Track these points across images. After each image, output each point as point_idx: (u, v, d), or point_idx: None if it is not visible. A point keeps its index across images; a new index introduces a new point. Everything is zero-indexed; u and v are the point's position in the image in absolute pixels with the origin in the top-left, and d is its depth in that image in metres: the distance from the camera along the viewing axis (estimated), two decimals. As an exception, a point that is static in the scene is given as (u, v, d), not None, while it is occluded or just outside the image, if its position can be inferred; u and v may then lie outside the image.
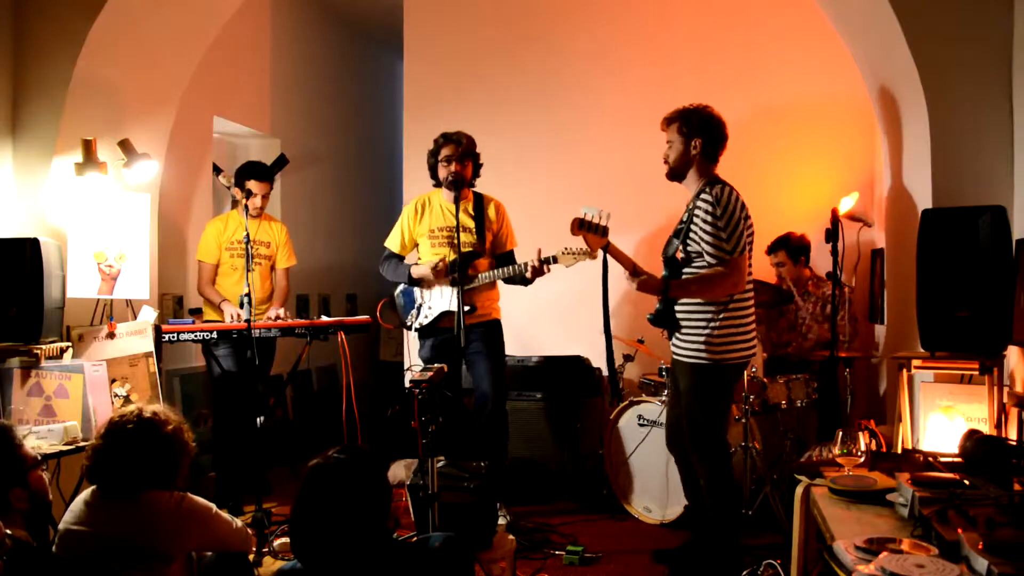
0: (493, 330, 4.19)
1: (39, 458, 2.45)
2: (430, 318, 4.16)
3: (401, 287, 4.32)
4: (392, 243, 4.31)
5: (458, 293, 3.84)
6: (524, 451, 4.72)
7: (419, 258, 4.30)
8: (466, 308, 4.02)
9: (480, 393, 4.16)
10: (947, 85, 3.28)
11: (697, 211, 3.23)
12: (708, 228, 3.18)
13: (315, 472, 1.87)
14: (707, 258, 3.19)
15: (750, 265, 3.32)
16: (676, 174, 3.35)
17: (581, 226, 3.33)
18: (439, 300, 4.13)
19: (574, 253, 3.74)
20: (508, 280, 4.09)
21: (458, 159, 4.06)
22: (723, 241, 3.16)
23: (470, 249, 4.07)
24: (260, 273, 4.60)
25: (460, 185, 4.09)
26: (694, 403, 3.29)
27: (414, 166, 5.78)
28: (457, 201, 4.07)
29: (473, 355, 4.13)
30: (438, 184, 4.19)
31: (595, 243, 3.34)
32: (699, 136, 3.28)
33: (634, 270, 3.28)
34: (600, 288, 3.41)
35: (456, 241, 4.00)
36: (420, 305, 4.21)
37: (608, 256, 3.38)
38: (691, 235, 3.25)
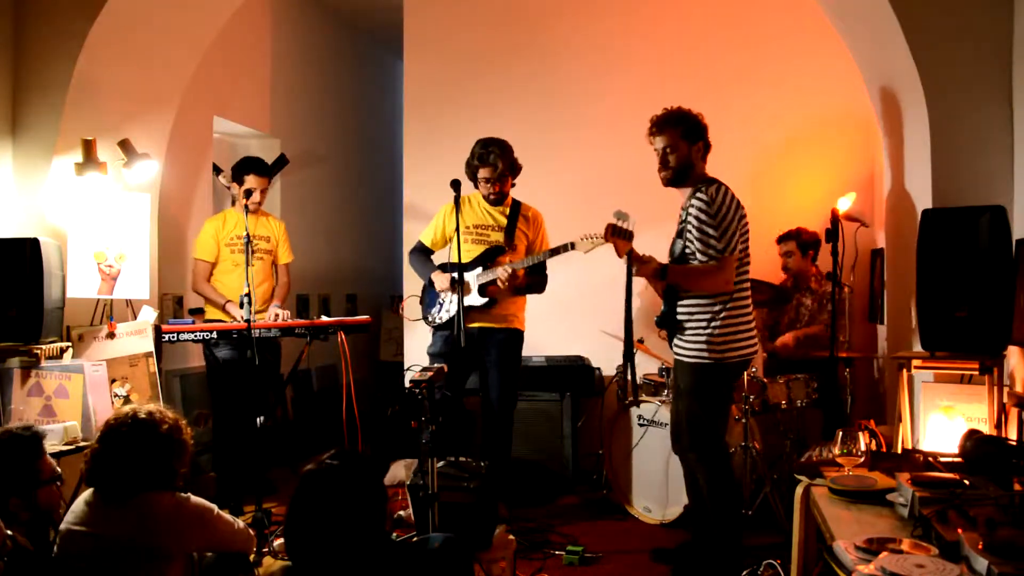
0: (513, 340, 4.19)
1: (58, 472, 2.44)
2: (451, 312, 4.14)
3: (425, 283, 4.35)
4: (425, 236, 4.34)
5: (458, 294, 3.83)
6: (524, 451, 4.72)
7: (450, 255, 4.30)
8: (483, 301, 4.07)
9: (488, 402, 4.17)
10: (947, 85, 3.28)
11: (691, 210, 3.24)
12: (700, 227, 3.19)
13: (309, 478, 1.87)
14: (699, 256, 3.21)
15: (748, 263, 3.32)
16: (679, 179, 3.34)
17: (614, 233, 3.38)
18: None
19: (591, 238, 3.74)
20: (531, 275, 4.08)
21: (495, 181, 4.10)
22: (714, 240, 3.17)
23: (494, 245, 4.15)
24: (262, 267, 4.63)
25: (499, 202, 4.19)
26: (695, 403, 3.30)
27: (414, 166, 5.80)
28: (459, 203, 4.07)
29: (488, 363, 4.14)
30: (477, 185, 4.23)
31: (623, 248, 3.38)
32: (701, 139, 3.31)
33: (646, 258, 3.30)
34: (624, 290, 3.44)
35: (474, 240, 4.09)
36: (443, 301, 4.20)
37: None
38: (687, 234, 3.26)
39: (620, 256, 3.39)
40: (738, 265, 3.26)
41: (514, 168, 4.16)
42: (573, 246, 3.91)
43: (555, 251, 3.97)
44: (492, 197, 4.14)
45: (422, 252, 4.34)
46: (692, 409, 3.31)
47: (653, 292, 3.53)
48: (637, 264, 3.29)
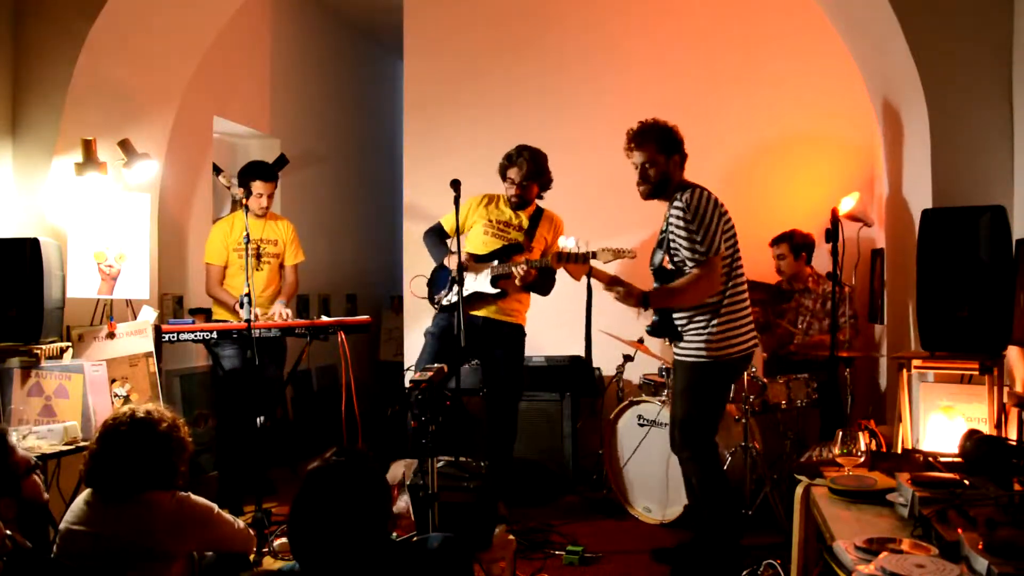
0: (517, 336, 4.26)
1: (32, 462, 2.43)
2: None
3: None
4: (446, 220, 4.35)
5: (458, 294, 3.84)
6: (524, 451, 4.71)
7: (465, 243, 4.31)
8: (495, 291, 4.13)
9: (493, 398, 4.20)
10: (947, 85, 3.28)
11: (671, 219, 3.26)
12: (683, 234, 3.21)
13: (314, 475, 1.87)
14: (687, 264, 3.22)
15: (740, 259, 3.33)
16: (658, 192, 3.35)
17: (560, 259, 3.35)
18: (472, 281, 4.16)
19: (613, 251, 3.72)
20: (543, 276, 4.10)
21: (519, 184, 4.17)
22: (697, 244, 3.18)
23: (512, 243, 4.20)
24: (270, 271, 4.65)
25: (521, 206, 4.25)
26: (689, 401, 3.32)
27: (414, 166, 5.80)
28: (458, 203, 4.08)
29: (492, 358, 4.20)
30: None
31: (577, 272, 3.36)
32: (677, 152, 3.33)
33: (611, 281, 3.28)
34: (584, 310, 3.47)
35: (506, 237, 4.18)
36: (453, 286, 4.19)
37: (593, 279, 3.41)
38: (672, 244, 3.27)
39: (577, 280, 3.38)
40: (731, 262, 3.28)
41: (539, 177, 4.21)
42: (595, 255, 3.92)
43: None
44: (513, 200, 4.22)
45: (439, 234, 4.37)
46: (686, 408, 3.33)
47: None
48: (615, 291, 3.26)
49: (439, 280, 4.35)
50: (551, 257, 3.44)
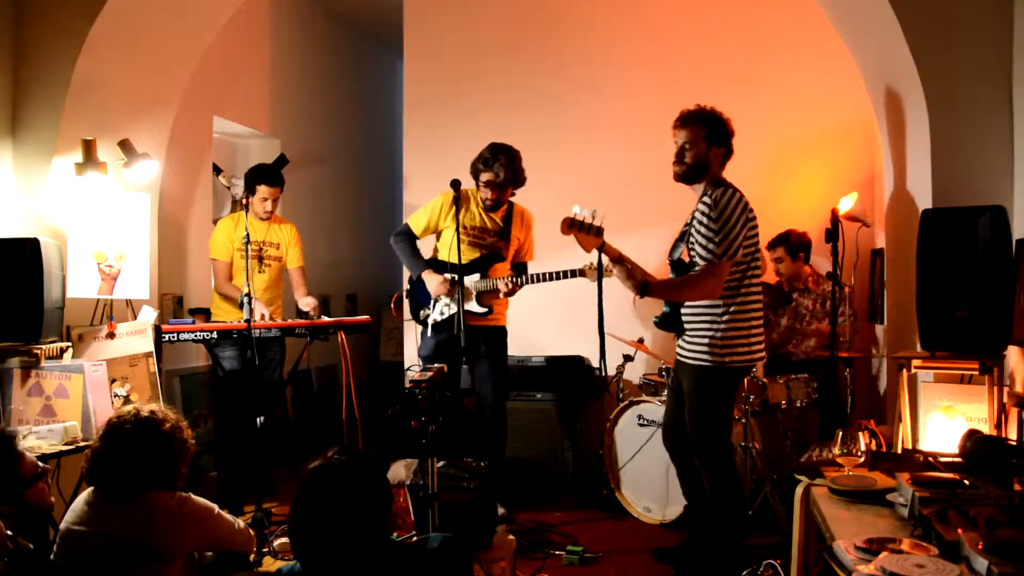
0: (499, 336, 4.26)
1: (40, 469, 2.42)
2: (446, 315, 4.14)
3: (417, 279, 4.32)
4: (415, 224, 4.26)
5: (459, 294, 3.84)
6: (524, 451, 4.72)
7: (436, 247, 4.28)
8: (483, 310, 4.10)
9: (482, 396, 4.20)
10: (947, 85, 3.28)
11: (696, 213, 3.23)
12: (702, 230, 3.18)
13: (315, 474, 1.87)
14: (698, 259, 3.20)
15: (758, 267, 3.29)
16: (691, 177, 3.29)
17: (572, 226, 3.18)
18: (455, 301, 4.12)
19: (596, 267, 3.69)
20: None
21: (494, 187, 4.09)
22: (713, 243, 3.14)
23: (490, 250, 4.17)
24: (271, 273, 4.64)
25: (495, 208, 4.18)
26: (697, 405, 3.27)
27: (414, 166, 5.80)
28: (458, 203, 4.06)
29: (478, 359, 4.17)
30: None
31: (588, 243, 3.19)
32: (723, 146, 3.28)
33: (618, 258, 3.24)
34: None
35: (483, 243, 4.15)
36: (437, 300, 4.18)
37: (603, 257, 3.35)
38: (691, 238, 3.25)
39: (587, 252, 3.26)
40: (746, 269, 3.22)
41: (517, 180, 4.14)
42: (582, 273, 3.96)
43: (561, 274, 3.98)
44: (488, 203, 4.14)
45: (409, 238, 4.26)
46: (694, 412, 3.28)
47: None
48: (618, 269, 3.22)
49: (419, 293, 4.27)
50: (562, 224, 3.22)
